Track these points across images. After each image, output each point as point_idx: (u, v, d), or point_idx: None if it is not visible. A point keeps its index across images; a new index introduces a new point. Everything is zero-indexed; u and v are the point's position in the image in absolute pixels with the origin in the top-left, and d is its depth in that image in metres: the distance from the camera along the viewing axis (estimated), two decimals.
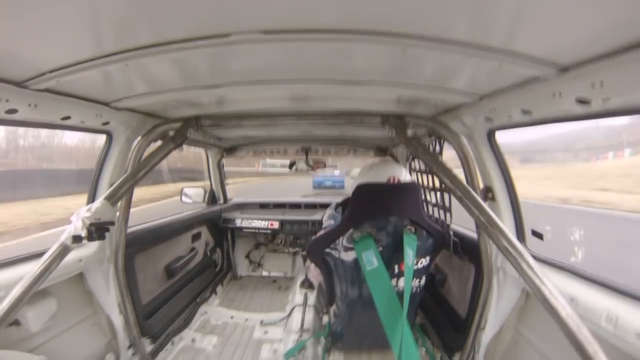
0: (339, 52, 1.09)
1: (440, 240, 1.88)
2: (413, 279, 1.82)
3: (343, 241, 1.79)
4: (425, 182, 2.52)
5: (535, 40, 0.90)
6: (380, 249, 1.75)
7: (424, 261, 1.83)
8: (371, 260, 1.68)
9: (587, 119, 1.16)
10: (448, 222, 2.22)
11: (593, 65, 0.93)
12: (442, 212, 2.30)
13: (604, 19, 0.75)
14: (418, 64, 1.16)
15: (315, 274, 2.14)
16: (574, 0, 0.70)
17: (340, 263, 1.83)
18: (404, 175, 1.88)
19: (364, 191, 1.78)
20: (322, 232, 2.16)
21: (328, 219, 2.23)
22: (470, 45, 0.95)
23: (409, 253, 1.64)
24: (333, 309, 2.08)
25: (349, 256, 1.80)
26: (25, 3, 0.74)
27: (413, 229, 1.73)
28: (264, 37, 0.92)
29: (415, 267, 1.78)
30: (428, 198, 2.54)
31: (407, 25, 0.88)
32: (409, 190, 1.82)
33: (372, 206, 1.77)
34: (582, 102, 1.03)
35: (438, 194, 2.33)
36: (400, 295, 1.66)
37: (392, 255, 1.75)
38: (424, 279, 1.89)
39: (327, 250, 1.83)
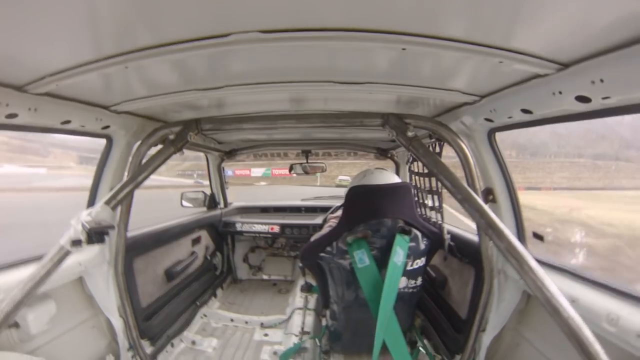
0: (338, 52, 1.09)
1: (436, 241, 1.88)
2: (408, 280, 1.82)
3: (339, 244, 1.78)
4: (424, 185, 2.52)
5: (535, 37, 0.91)
6: (375, 251, 1.75)
7: (419, 262, 1.83)
8: (362, 258, 1.70)
9: (588, 118, 1.15)
10: (441, 223, 2.21)
11: (593, 61, 0.93)
12: (438, 214, 2.30)
13: (604, 15, 0.75)
14: (418, 63, 1.16)
15: None
16: None
17: (336, 267, 1.83)
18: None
19: (356, 193, 1.79)
20: (318, 233, 2.18)
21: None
22: (470, 43, 0.95)
23: (399, 252, 1.64)
24: (329, 311, 2.08)
25: (345, 260, 1.80)
26: (25, 6, 0.74)
27: (407, 231, 1.73)
28: (262, 37, 0.93)
29: (410, 267, 1.78)
30: (426, 201, 2.53)
31: (407, 24, 0.88)
32: (401, 191, 1.82)
33: (365, 208, 1.77)
34: (582, 100, 1.03)
35: (436, 197, 2.33)
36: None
37: (386, 257, 1.75)
38: (419, 280, 1.89)
39: (322, 254, 1.83)
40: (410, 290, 1.86)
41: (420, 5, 0.78)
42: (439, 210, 2.29)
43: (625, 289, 1.19)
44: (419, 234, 1.80)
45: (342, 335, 2.09)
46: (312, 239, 2.07)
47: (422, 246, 1.81)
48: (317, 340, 2.29)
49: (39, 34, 0.88)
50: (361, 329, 2.06)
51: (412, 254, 1.77)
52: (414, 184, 2.83)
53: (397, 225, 1.75)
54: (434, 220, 2.44)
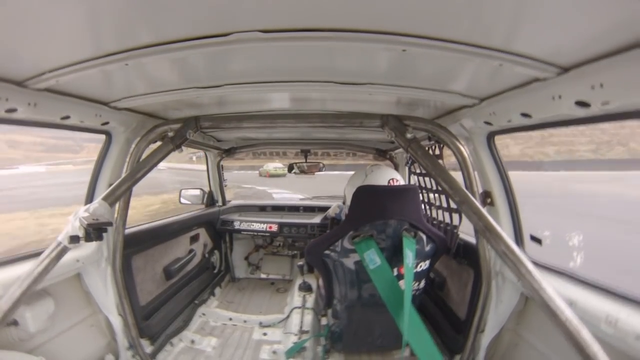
0: (339, 53, 1.09)
1: (441, 245, 1.87)
2: (413, 281, 1.82)
3: (343, 243, 1.78)
4: (429, 185, 2.51)
5: (535, 40, 0.91)
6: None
7: (424, 265, 1.83)
8: (373, 259, 1.68)
9: (587, 123, 1.16)
10: (456, 224, 2.16)
11: (593, 66, 0.93)
12: (447, 214, 2.24)
13: (604, 20, 0.75)
14: (418, 64, 1.16)
15: None
16: (573, 1, 0.70)
17: (340, 265, 1.83)
18: (401, 179, 1.92)
19: (364, 193, 1.78)
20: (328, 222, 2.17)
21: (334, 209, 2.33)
22: (471, 45, 0.95)
23: (409, 255, 1.64)
24: (331, 310, 2.08)
25: (349, 259, 1.80)
26: (26, 2, 0.74)
27: (412, 233, 1.73)
28: (263, 37, 0.93)
29: (415, 270, 1.77)
30: (432, 200, 2.52)
31: (408, 25, 0.88)
32: (409, 194, 1.83)
33: (371, 208, 1.77)
34: (581, 104, 1.03)
35: (443, 196, 2.29)
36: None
37: (391, 258, 1.75)
38: (423, 282, 1.89)
39: (327, 252, 1.83)
40: (413, 292, 1.86)
41: (421, 7, 0.78)
42: (448, 210, 2.22)
43: (623, 292, 1.20)
44: (423, 236, 1.80)
45: (343, 335, 2.10)
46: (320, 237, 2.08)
47: (427, 249, 1.81)
48: (322, 339, 2.30)
49: (39, 30, 0.87)
50: (363, 329, 2.06)
51: (418, 256, 1.77)
52: (415, 183, 2.82)
53: (403, 227, 1.75)
54: (440, 219, 2.40)
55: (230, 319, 2.91)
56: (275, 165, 25.50)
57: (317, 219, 3.56)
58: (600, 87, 0.94)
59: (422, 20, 0.85)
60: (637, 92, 0.88)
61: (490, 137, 1.70)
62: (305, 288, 2.85)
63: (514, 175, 1.73)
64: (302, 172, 3.66)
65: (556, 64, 1.01)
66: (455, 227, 2.12)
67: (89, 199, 1.89)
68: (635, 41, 0.80)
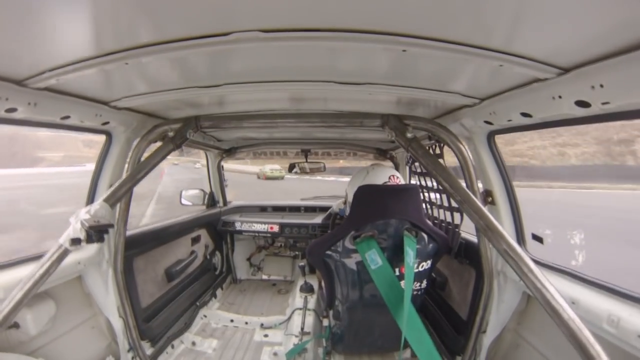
0: (339, 53, 1.09)
1: (443, 244, 1.87)
2: (414, 282, 1.81)
3: (345, 243, 1.78)
4: (429, 184, 2.50)
5: (535, 41, 0.91)
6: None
7: (425, 265, 1.82)
8: (375, 259, 1.67)
9: (587, 123, 1.16)
10: (458, 223, 2.15)
11: (593, 67, 0.93)
12: (449, 214, 2.22)
13: (604, 21, 0.75)
14: (418, 65, 1.16)
15: None
16: (574, 2, 0.70)
17: (341, 265, 1.82)
18: (401, 176, 1.93)
19: (365, 193, 1.78)
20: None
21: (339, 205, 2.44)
22: (471, 46, 0.95)
23: (410, 253, 1.64)
24: (333, 311, 2.07)
25: (351, 259, 1.79)
26: (25, 2, 0.74)
27: (413, 232, 1.73)
28: (263, 36, 0.92)
29: (416, 270, 1.77)
30: (433, 199, 2.52)
31: (408, 26, 0.88)
32: (409, 193, 1.82)
33: (372, 208, 1.77)
34: (582, 104, 1.03)
35: (444, 195, 2.28)
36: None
37: (392, 258, 1.74)
38: (425, 282, 1.88)
39: (328, 252, 1.83)
40: (415, 292, 1.85)
41: (421, 8, 0.78)
42: (449, 209, 2.20)
43: (625, 291, 1.19)
44: (425, 236, 1.80)
45: (344, 336, 2.09)
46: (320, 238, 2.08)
47: (428, 248, 1.81)
48: (323, 340, 2.29)
49: (39, 29, 0.87)
50: (363, 330, 2.06)
51: (419, 255, 1.76)
52: (417, 183, 2.81)
53: (404, 227, 1.75)
54: (441, 219, 2.39)
55: (232, 321, 2.91)
56: (272, 167, 22.61)
57: (318, 219, 3.55)
58: (601, 88, 0.94)
59: (422, 21, 0.85)
60: (638, 93, 0.88)
61: (490, 137, 1.69)
62: (307, 289, 2.84)
63: None
64: (303, 172, 3.66)
65: (556, 65, 1.01)
66: (457, 226, 2.11)
67: (90, 200, 1.89)
68: (636, 43, 0.80)
